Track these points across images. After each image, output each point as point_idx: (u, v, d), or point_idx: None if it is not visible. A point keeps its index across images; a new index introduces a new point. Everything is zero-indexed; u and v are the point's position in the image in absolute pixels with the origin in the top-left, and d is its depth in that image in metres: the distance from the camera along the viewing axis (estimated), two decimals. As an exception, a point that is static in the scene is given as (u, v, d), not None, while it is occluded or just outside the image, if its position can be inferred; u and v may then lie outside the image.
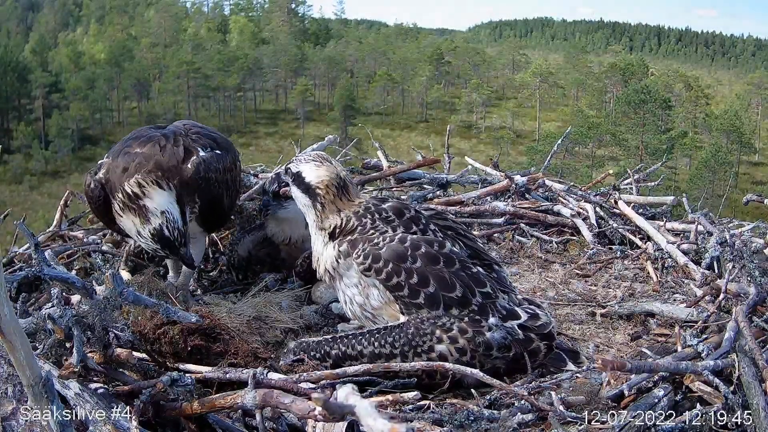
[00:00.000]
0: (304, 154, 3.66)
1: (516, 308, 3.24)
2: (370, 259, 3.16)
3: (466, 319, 3.08)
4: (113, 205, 3.71)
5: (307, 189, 3.40)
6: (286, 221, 4.37)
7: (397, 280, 3.10)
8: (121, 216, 3.62)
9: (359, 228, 3.30)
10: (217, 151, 3.92)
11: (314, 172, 3.41)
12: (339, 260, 3.29)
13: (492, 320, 3.11)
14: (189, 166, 3.72)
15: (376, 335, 3.09)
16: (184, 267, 4.16)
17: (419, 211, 3.47)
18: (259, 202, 4.96)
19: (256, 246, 4.63)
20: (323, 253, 3.40)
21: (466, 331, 3.04)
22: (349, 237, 3.29)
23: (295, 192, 3.49)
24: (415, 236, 3.24)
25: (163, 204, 3.54)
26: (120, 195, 3.58)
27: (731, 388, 2.65)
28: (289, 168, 3.50)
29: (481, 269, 3.31)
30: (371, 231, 3.28)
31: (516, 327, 3.14)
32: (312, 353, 3.14)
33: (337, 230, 3.33)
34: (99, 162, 3.88)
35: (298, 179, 3.44)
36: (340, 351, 3.12)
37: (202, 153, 3.81)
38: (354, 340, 3.12)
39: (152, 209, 3.52)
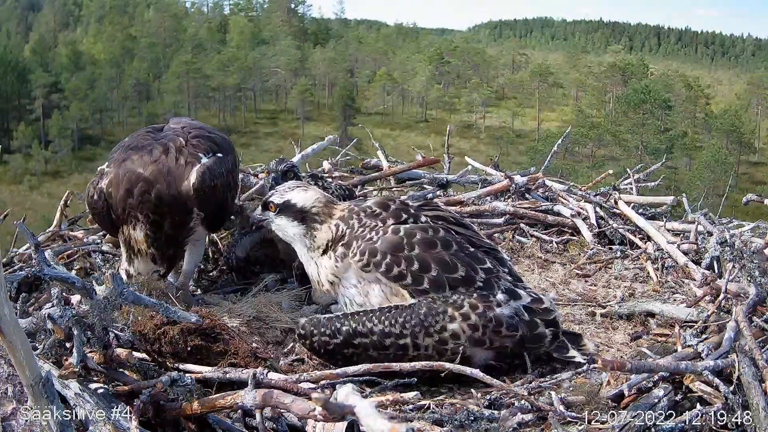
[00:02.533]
0: (278, 187, 3.73)
1: (516, 289, 3.24)
2: (367, 255, 3.17)
3: (475, 294, 3.10)
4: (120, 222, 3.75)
5: (300, 212, 3.46)
6: None
7: (398, 270, 3.12)
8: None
9: (348, 231, 3.33)
10: (219, 155, 3.87)
11: (303, 195, 3.51)
12: (337, 265, 3.30)
13: (500, 296, 3.13)
14: (193, 178, 3.68)
15: (387, 314, 3.10)
16: (184, 267, 4.16)
17: (405, 202, 3.50)
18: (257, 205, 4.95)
19: (254, 247, 4.62)
20: (320, 272, 3.43)
21: (477, 307, 3.07)
22: (342, 242, 3.32)
23: (281, 223, 3.55)
24: (407, 225, 3.26)
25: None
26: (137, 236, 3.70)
27: (731, 388, 2.65)
28: (272, 201, 3.56)
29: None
30: (361, 229, 3.31)
31: (521, 308, 3.15)
32: (323, 329, 3.15)
33: (330, 243, 3.36)
34: (99, 168, 3.84)
35: (288, 208, 3.50)
36: (351, 327, 3.12)
37: (204, 160, 3.75)
38: (365, 317, 3.12)
39: None
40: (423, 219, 3.42)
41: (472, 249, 3.29)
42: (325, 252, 3.40)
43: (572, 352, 3.23)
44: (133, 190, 3.62)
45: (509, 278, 3.29)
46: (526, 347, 3.14)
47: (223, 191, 3.87)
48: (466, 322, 3.05)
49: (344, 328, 3.14)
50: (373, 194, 5.97)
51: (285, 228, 3.55)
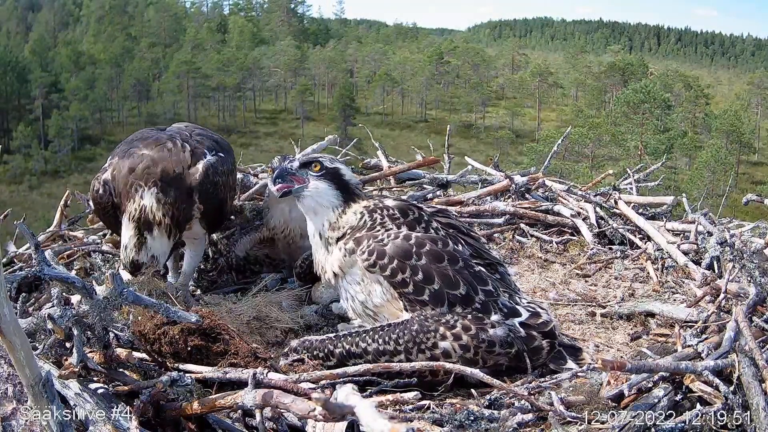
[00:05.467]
0: (323, 153, 3.66)
1: (517, 306, 3.24)
2: (375, 256, 3.17)
3: (470, 316, 3.09)
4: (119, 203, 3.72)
5: (344, 187, 3.40)
6: (282, 207, 4.32)
7: (402, 277, 3.12)
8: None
9: (369, 224, 3.32)
10: (221, 154, 3.92)
11: (351, 173, 3.48)
12: (344, 258, 3.30)
13: (495, 317, 3.12)
14: (199, 168, 3.71)
15: (380, 332, 3.10)
16: (184, 267, 4.16)
17: (422, 210, 3.49)
18: (261, 201, 4.94)
19: (253, 246, 4.62)
20: (328, 260, 3.40)
21: (470, 329, 3.05)
22: (357, 234, 3.30)
23: (321, 188, 3.39)
24: (419, 234, 3.26)
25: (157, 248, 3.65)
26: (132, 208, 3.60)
27: (731, 388, 2.65)
28: (321, 162, 3.41)
29: (483, 269, 3.33)
30: (378, 228, 3.30)
31: (518, 324, 3.15)
32: (315, 352, 3.15)
33: (349, 230, 3.34)
34: (104, 166, 3.87)
35: (336, 176, 3.41)
36: (344, 349, 3.12)
37: (209, 156, 3.80)
38: (358, 338, 3.12)
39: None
40: (435, 225, 3.43)
41: (477, 267, 3.29)
42: (341, 238, 3.37)
43: (570, 364, 3.22)
44: (137, 166, 3.61)
45: (508, 302, 3.26)
46: (523, 362, 3.13)
47: (224, 190, 3.90)
48: (458, 342, 3.03)
49: (337, 351, 3.13)
50: (373, 194, 5.97)
51: (320, 194, 3.39)
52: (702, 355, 2.96)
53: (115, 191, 3.67)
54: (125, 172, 3.63)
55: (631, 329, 3.89)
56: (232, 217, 4.81)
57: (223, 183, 3.85)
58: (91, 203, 4.56)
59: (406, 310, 3.14)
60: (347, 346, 3.12)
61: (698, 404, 2.68)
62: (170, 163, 3.65)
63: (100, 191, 3.74)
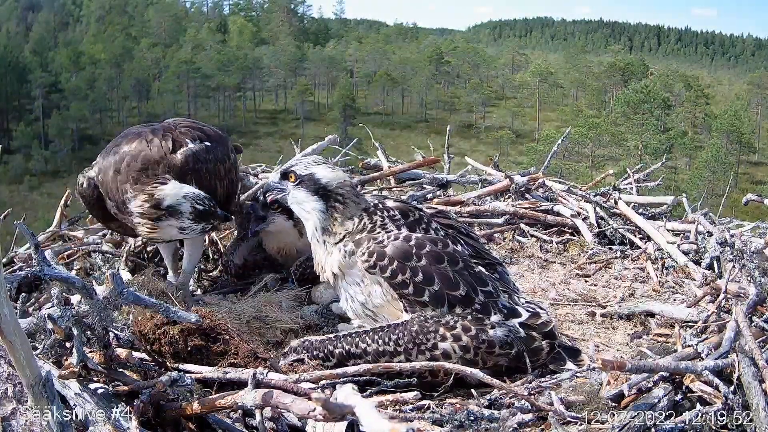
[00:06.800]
0: (303, 158, 3.59)
1: (517, 307, 3.25)
2: (375, 257, 3.17)
3: (470, 317, 3.09)
4: (107, 205, 3.78)
5: (323, 190, 3.33)
6: (274, 234, 4.36)
7: (402, 278, 3.11)
8: (156, 229, 3.65)
9: (370, 226, 3.31)
10: (207, 143, 3.89)
11: (331, 173, 3.35)
12: (344, 260, 3.29)
13: (494, 318, 3.12)
14: (178, 156, 3.71)
15: (380, 333, 3.10)
16: (183, 265, 4.16)
17: (422, 211, 3.49)
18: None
19: (251, 252, 4.61)
20: (327, 260, 3.38)
21: (470, 329, 3.05)
22: (357, 236, 3.29)
23: (300, 196, 3.37)
24: (419, 235, 3.26)
25: (177, 191, 3.56)
26: (137, 209, 3.60)
27: (731, 388, 2.65)
28: (294, 171, 3.38)
29: (483, 269, 3.33)
30: (378, 230, 3.30)
31: (517, 325, 3.15)
32: (315, 352, 3.14)
33: (348, 234, 3.33)
34: (94, 162, 3.89)
35: (311, 181, 3.34)
36: (344, 349, 3.12)
37: (191, 144, 3.79)
38: (357, 339, 3.12)
39: (174, 203, 3.54)
40: (434, 226, 3.44)
41: (477, 268, 3.29)
42: (340, 240, 3.34)
43: (570, 365, 3.21)
44: (120, 166, 3.66)
45: (508, 302, 3.26)
46: (523, 362, 3.13)
47: (209, 176, 3.85)
48: (458, 344, 3.03)
49: (337, 351, 3.12)
50: (373, 194, 5.97)
51: (302, 202, 3.37)
52: (702, 355, 2.96)
53: (107, 194, 3.73)
54: (111, 174, 3.67)
55: (631, 329, 3.89)
56: (232, 216, 4.79)
57: (207, 170, 3.82)
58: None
59: (406, 311, 3.14)
60: (347, 347, 3.12)
61: (698, 404, 2.68)
62: (150, 151, 3.68)
63: (84, 185, 3.84)
